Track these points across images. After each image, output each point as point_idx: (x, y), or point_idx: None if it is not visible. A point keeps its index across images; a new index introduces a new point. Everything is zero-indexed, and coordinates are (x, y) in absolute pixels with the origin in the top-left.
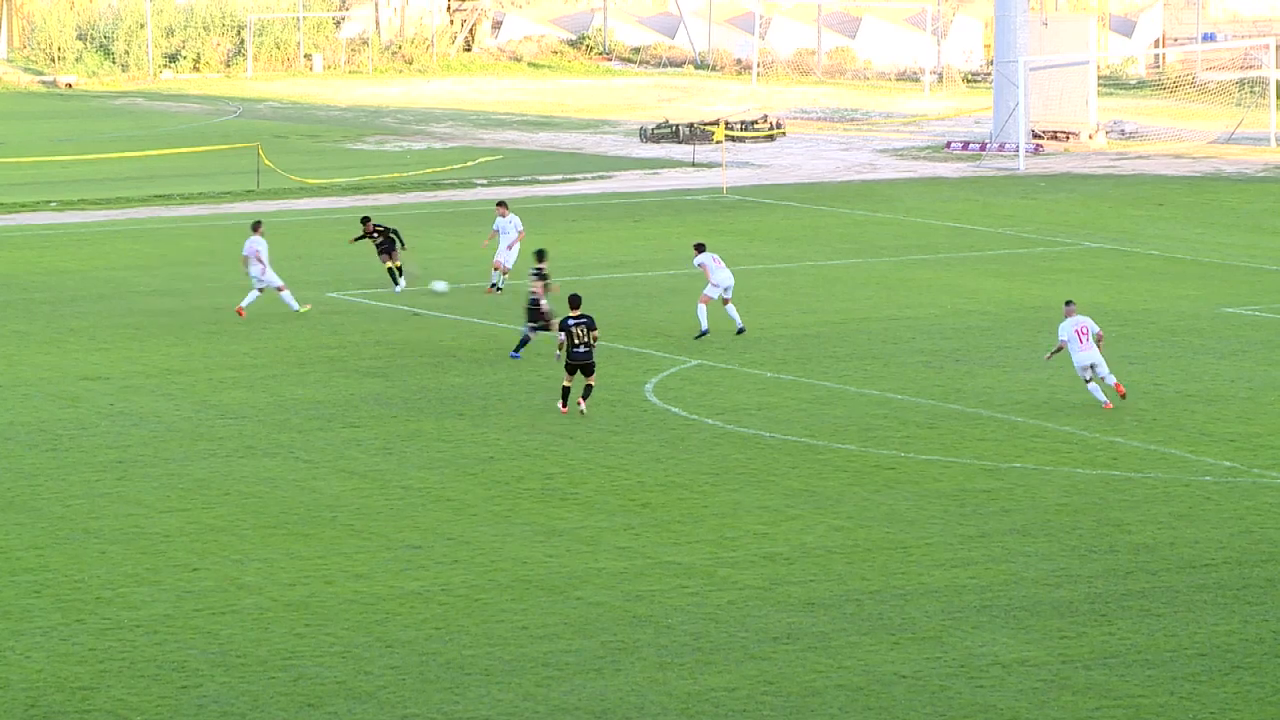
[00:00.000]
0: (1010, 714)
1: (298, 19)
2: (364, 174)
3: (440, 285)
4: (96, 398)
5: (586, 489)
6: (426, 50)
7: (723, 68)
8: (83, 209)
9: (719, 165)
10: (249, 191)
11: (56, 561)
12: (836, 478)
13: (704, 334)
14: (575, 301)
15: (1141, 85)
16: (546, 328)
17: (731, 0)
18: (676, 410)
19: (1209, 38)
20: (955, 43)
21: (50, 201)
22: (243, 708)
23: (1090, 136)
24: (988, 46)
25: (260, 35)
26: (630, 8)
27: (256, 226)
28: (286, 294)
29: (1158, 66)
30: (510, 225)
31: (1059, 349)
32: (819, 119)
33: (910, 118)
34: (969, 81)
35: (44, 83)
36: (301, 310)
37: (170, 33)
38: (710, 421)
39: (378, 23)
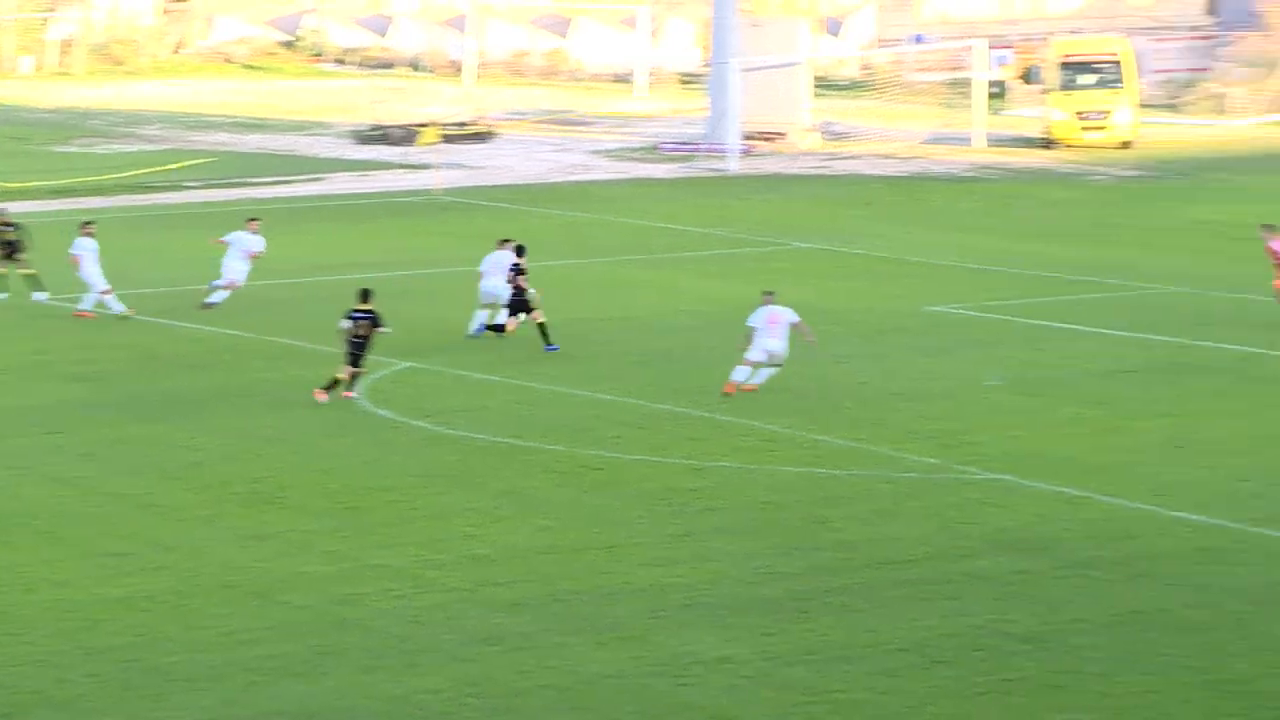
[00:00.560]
0: (712, 711)
1: (5, 20)
2: (71, 177)
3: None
4: None
5: (294, 493)
6: (137, 52)
7: (436, 69)
8: None
9: (432, 167)
10: None
11: None
12: (545, 479)
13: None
14: (364, 295)
15: (853, 86)
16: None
17: (446, 1)
18: (386, 413)
19: (919, 39)
20: (669, 44)
21: None
22: None
23: (802, 137)
24: (702, 48)
25: None
26: (343, 8)
27: (85, 226)
28: (109, 297)
29: (868, 68)
30: (245, 241)
31: (750, 335)
32: (533, 120)
33: (624, 119)
34: (683, 83)
35: None
36: (125, 313)
37: None
38: (420, 424)
39: (87, 24)
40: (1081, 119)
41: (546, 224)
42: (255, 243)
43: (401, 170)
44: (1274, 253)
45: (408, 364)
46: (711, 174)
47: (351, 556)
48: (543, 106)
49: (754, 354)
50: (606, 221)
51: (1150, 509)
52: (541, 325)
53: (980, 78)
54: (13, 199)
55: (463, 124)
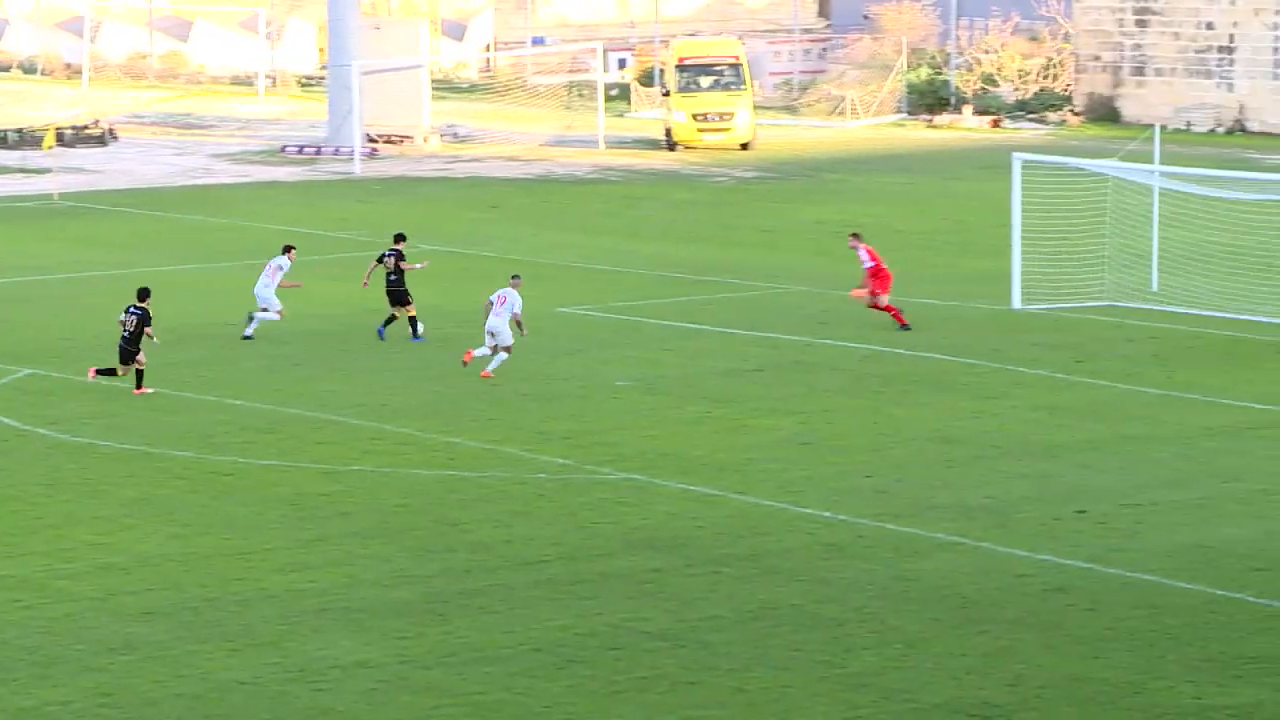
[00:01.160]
0: (349, 716)
1: None
2: None
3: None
4: None
5: None
6: None
7: (52, 72)
8: None
9: (50, 171)
10: None
11: None
12: (174, 485)
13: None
14: (141, 294)
15: (474, 89)
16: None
17: (60, 3)
18: (9, 421)
19: (538, 41)
20: (290, 46)
21: None
22: None
23: (425, 140)
24: (322, 50)
25: None
26: None
27: None
28: None
29: (489, 70)
30: None
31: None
32: (153, 124)
33: (245, 122)
34: (304, 85)
35: None
36: None
37: None
38: (44, 432)
39: None
40: (701, 121)
41: (168, 228)
42: None
43: (20, 175)
44: (864, 260)
45: (28, 371)
46: (336, 177)
47: None
48: (162, 109)
49: (486, 337)
50: (230, 225)
51: (779, 506)
52: (413, 317)
53: (600, 80)
54: None
55: (80, 128)
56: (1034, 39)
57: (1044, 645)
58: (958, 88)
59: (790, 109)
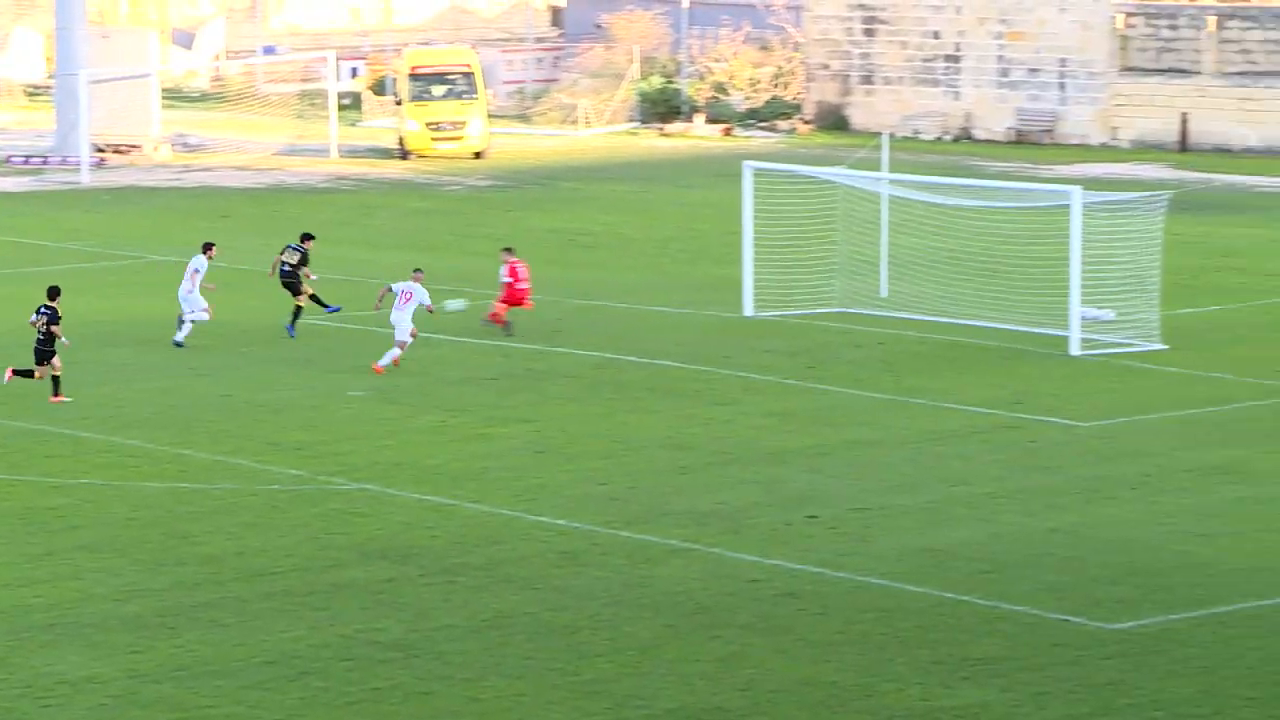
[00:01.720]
0: None
1: None
2: None
3: (455, 304)
4: None
5: None
6: None
7: None
8: None
9: None
10: None
11: None
12: None
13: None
14: (51, 293)
15: (205, 98)
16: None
17: None
18: None
19: (270, 50)
20: (16, 55)
21: None
22: None
23: (155, 149)
24: (49, 59)
25: None
26: None
27: None
28: None
29: (220, 79)
30: None
31: (385, 293)
32: None
33: None
34: (31, 95)
35: None
36: None
37: None
38: None
39: None
40: (434, 129)
41: None
42: None
43: None
44: (510, 274)
45: None
46: (63, 187)
47: None
48: None
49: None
50: None
51: (514, 514)
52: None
53: (333, 89)
54: None
55: None
56: (765, 48)
57: (776, 649)
58: (690, 96)
59: (524, 117)
